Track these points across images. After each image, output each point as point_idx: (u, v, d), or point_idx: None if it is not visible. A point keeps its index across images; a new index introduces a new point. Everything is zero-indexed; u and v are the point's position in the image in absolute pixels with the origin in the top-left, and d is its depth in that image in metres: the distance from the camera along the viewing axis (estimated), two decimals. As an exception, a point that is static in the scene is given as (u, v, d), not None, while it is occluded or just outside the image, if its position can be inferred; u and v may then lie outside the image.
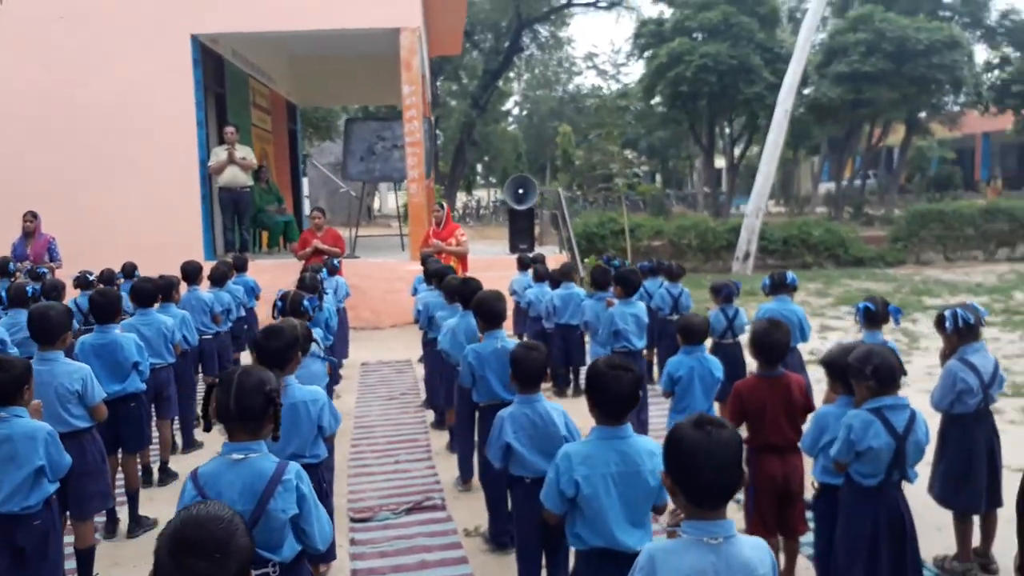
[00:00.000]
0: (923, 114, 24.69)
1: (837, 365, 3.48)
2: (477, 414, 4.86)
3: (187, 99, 11.65)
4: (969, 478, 4.01)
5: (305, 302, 5.09)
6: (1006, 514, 3.85)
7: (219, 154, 11.83)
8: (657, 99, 33.41)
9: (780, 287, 6.07)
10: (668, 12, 24.25)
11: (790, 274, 6.13)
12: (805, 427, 3.80)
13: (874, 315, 4.78)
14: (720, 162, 31.67)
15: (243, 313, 8.53)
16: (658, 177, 48.14)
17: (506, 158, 39.09)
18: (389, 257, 12.83)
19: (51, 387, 4.07)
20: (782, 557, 3.90)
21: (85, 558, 4.20)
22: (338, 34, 12.48)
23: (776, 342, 3.90)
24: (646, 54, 23.17)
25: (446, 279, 6.41)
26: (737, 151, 26.82)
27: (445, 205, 11.01)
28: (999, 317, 11.14)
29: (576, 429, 3.54)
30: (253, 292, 9.10)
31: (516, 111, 47.71)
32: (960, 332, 4.02)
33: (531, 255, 10.53)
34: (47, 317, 4.13)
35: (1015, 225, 18.99)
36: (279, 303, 5.16)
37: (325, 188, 29.11)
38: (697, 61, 20.07)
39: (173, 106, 11.55)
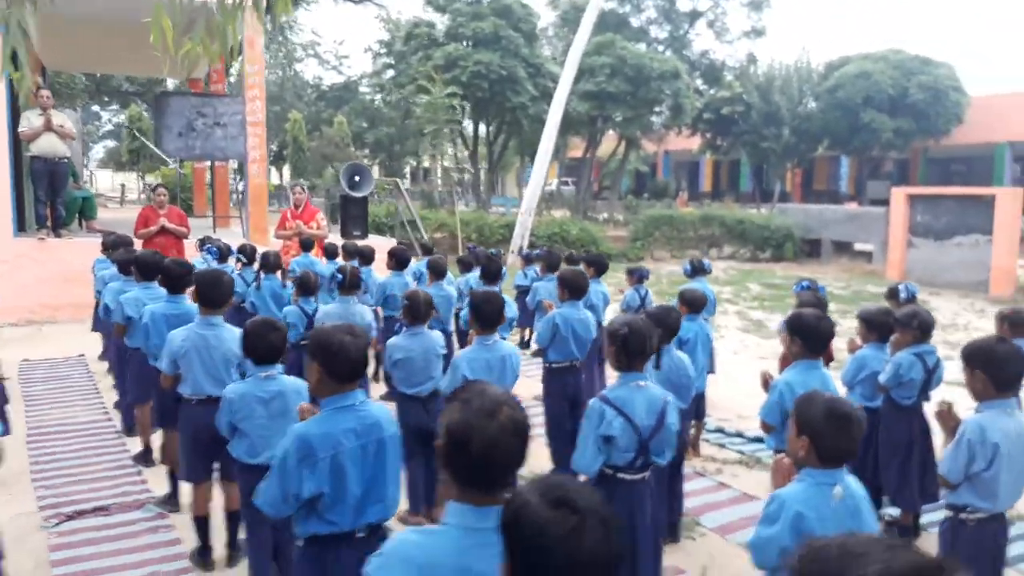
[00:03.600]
0: (638, 132, 28.51)
1: (875, 320, 4.84)
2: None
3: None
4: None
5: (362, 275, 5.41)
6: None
7: (32, 120, 10.63)
8: (392, 97, 34.44)
9: (699, 271, 7.48)
10: (436, 16, 25.29)
11: (706, 261, 7.58)
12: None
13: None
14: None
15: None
16: (376, 170, 49.00)
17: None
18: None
19: (219, 351, 4.12)
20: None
21: (234, 518, 4.28)
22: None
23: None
24: (418, 54, 24.05)
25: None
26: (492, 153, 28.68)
27: (304, 188, 11.08)
28: (741, 304, 13.87)
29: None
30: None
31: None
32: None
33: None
34: (218, 283, 4.14)
35: (723, 230, 22.95)
36: (339, 276, 5.42)
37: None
38: (472, 67, 21.44)
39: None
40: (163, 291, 5.13)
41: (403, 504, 4.83)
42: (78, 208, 12.67)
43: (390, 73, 37.41)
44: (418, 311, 4.59)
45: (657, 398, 3.19)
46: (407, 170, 50.51)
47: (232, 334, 4.19)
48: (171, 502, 5.05)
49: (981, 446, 3.08)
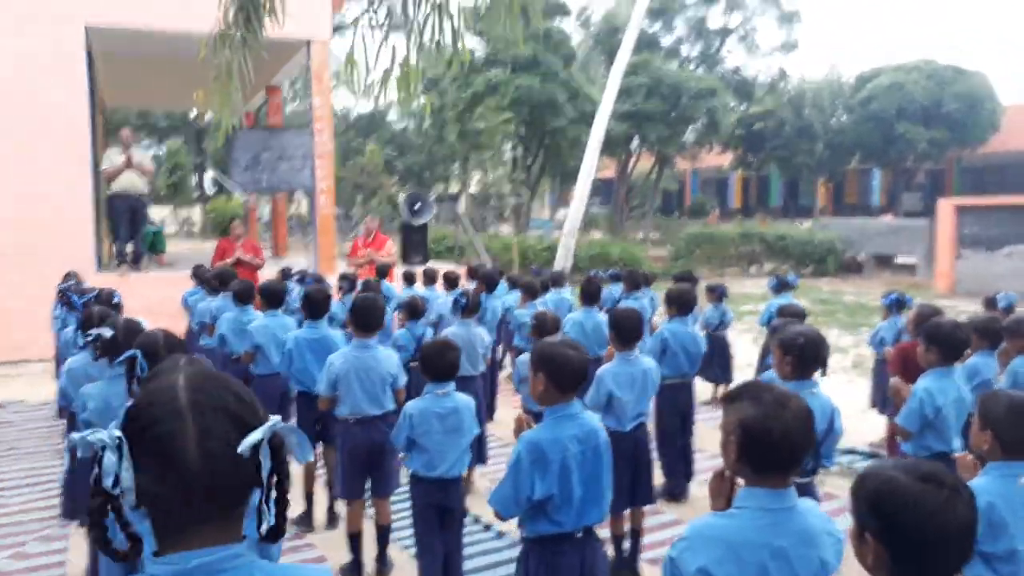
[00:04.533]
0: (671, 150, 28.79)
1: (987, 328, 5.00)
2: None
3: (79, 92, 10.79)
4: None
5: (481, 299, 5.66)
6: None
7: (114, 158, 11.06)
8: (427, 123, 34.92)
9: (785, 286, 7.67)
10: (473, 41, 25.90)
11: (791, 276, 7.77)
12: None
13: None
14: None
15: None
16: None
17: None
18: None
19: (376, 372, 4.37)
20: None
21: (385, 533, 4.50)
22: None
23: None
24: (456, 81, 24.60)
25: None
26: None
27: (377, 217, 11.42)
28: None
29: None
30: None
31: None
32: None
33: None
34: (373, 309, 4.40)
35: (762, 247, 23.07)
36: (463, 300, 5.68)
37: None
38: (513, 92, 21.89)
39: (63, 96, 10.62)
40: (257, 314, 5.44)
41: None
42: (149, 242, 13.09)
43: (420, 99, 38.17)
44: (545, 329, 4.82)
45: (828, 404, 3.39)
46: (433, 196, 51.11)
47: (387, 355, 4.44)
48: (305, 522, 5.27)
49: None
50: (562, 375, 2.81)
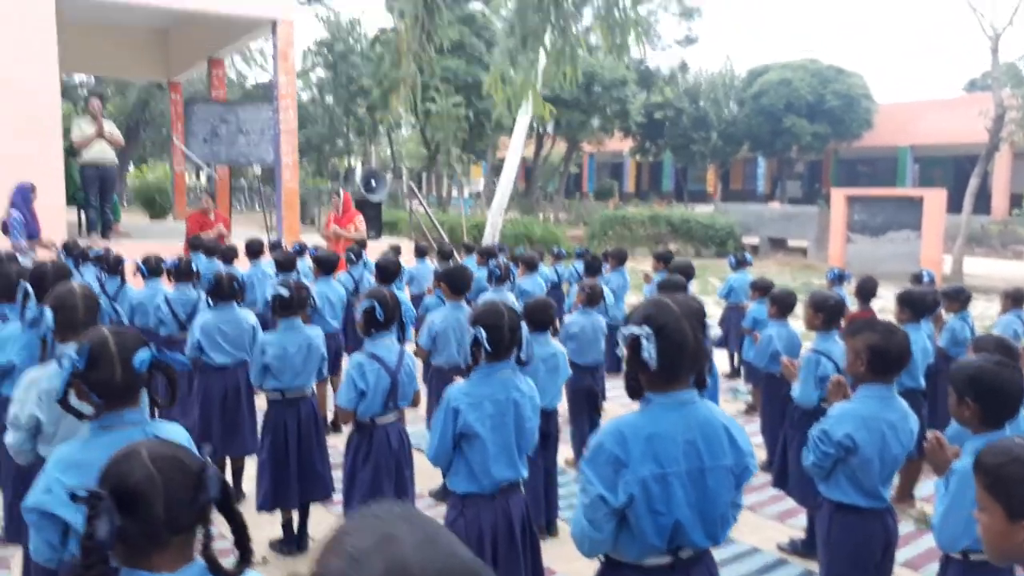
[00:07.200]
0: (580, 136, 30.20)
1: (916, 299, 6.33)
2: None
3: (50, 61, 10.82)
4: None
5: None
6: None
7: (84, 127, 11.16)
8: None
9: (742, 263, 8.89)
10: (402, 23, 26.22)
11: (747, 254, 9.03)
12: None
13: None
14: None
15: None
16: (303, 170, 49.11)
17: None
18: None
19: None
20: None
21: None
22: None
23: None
24: (384, 60, 24.91)
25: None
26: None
27: (343, 192, 12.00)
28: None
29: None
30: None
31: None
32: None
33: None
34: (462, 274, 5.25)
35: (668, 230, 24.76)
36: (497, 271, 6.57)
37: None
38: (440, 73, 22.47)
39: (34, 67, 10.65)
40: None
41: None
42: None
43: (320, 73, 37.89)
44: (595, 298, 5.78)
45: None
46: (339, 170, 50.82)
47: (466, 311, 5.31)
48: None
49: None
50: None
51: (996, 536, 1.60)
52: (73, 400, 2.22)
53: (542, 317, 4.51)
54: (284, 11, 12.51)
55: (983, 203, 26.38)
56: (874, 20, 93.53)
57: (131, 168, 34.03)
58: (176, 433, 2.32)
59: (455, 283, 5.24)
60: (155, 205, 19.49)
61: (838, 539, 3.07)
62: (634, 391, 2.21)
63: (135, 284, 7.06)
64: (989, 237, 24.82)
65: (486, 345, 3.06)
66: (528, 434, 3.26)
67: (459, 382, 3.25)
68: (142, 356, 2.20)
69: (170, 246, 10.06)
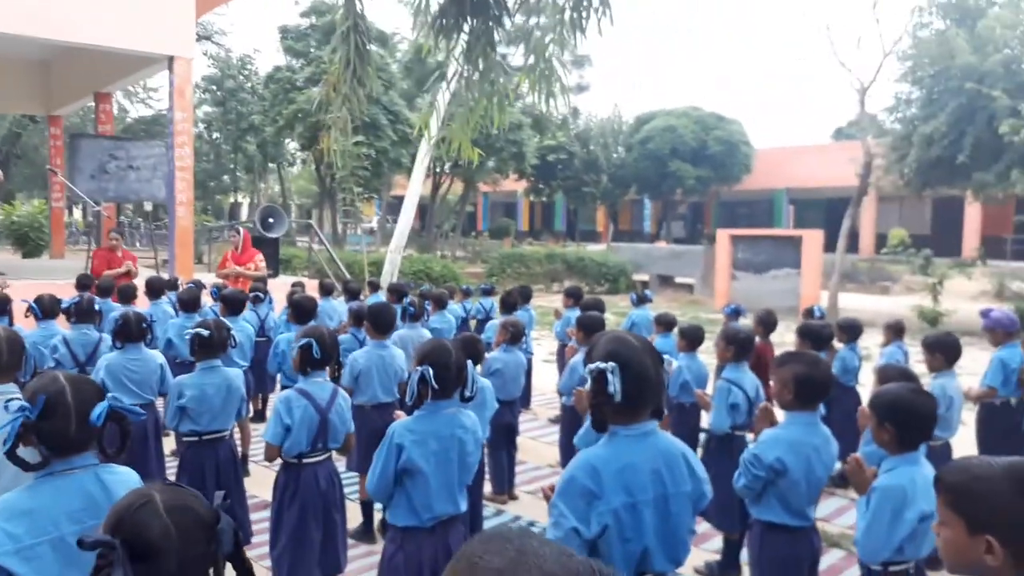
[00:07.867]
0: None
1: (813, 332, 6.74)
2: None
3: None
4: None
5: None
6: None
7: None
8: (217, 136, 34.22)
9: (643, 300, 9.22)
10: (296, 63, 25.97)
11: (648, 292, 9.36)
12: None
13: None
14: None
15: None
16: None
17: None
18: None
19: (392, 368, 5.21)
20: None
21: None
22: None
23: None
24: (279, 98, 24.51)
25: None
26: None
27: (242, 230, 11.72)
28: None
29: None
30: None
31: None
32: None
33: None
34: (386, 312, 5.22)
35: (564, 267, 25.30)
36: (411, 308, 6.57)
37: None
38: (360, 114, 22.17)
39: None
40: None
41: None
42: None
43: (206, 109, 36.93)
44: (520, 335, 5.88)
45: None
46: (223, 207, 49.45)
47: (400, 353, 5.31)
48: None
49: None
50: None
51: (956, 549, 1.67)
52: (20, 449, 2.11)
53: (472, 352, 4.56)
54: (183, 48, 12.24)
55: (852, 242, 28.24)
56: (750, 71, 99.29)
57: (-1, 204, 32.05)
58: (129, 478, 2.25)
59: (379, 322, 5.23)
60: (28, 242, 18.39)
61: (769, 557, 3.25)
62: (600, 424, 2.30)
63: (25, 325, 6.67)
64: (859, 273, 26.51)
65: (433, 383, 3.09)
66: (469, 468, 3.31)
67: (403, 418, 3.27)
68: (100, 409, 2.13)
69: (53, 284, 9.57)
